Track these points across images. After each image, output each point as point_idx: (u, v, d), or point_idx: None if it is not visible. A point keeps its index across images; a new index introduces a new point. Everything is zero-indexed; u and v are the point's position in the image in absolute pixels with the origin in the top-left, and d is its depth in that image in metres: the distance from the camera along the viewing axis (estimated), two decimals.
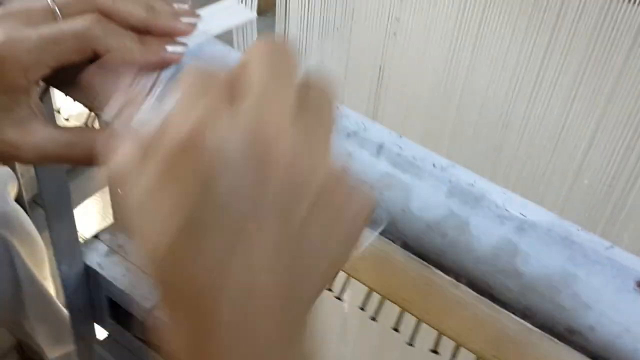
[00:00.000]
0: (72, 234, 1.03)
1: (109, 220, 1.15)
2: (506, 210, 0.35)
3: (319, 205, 0.26)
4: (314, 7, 0.48)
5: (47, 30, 0.38)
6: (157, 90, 0.43)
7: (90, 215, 1.58)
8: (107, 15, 0.40)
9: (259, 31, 0.50)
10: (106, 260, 1.08)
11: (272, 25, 0.60)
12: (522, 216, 0.35)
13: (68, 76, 0.44)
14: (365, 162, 0.38)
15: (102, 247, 1.10)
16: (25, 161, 0.41)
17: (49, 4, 0.39)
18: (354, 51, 0.50)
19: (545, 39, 0.42)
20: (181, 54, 0.41)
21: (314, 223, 0.26)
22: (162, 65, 0.41)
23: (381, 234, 0.37)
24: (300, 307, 0.27)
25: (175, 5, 0.44)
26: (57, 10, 0.39)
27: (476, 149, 0.49)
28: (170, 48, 0.41)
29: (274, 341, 0.25)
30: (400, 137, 0.39)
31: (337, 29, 0.47)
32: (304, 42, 0.49)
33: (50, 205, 0.96)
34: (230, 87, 0.27)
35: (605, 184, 0.47)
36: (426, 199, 0.37)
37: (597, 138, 0.46)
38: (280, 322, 0.26)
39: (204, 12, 0.47)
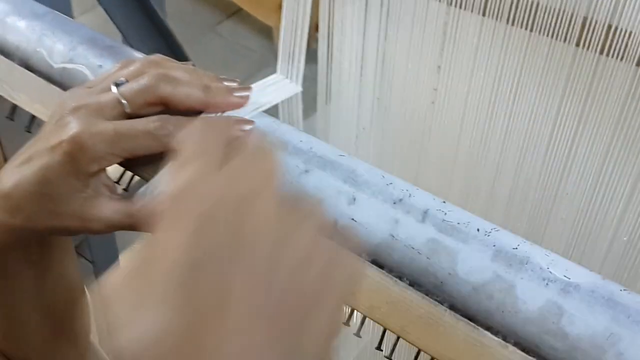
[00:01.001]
0: None
1: None
2: (550, 272, 0.37)
3: (295, 271, 0.29)
4: (356, 78, 0.51)
5: (123, 126, 0.42)
6: None
7: None
8: (168, 100, 0.44)
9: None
10: None
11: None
12: (566, 278, 0.37)
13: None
14: (411, 228, 0.40)
15: None
16: (94, 233, 0.44)
17: (117, 97, 0.43)
18: (393, 119, 0.52)
19: (579, 104, 0.44)
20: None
21: (292, 288, 0.28)
22: None
23: (429, 296, 0.39)
24: None
25: (226, 82, 0.48)
26: (125, 102, 0.43)
27: (512, 211, 0.51)
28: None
29: None
30: (444, 202, 0.41)
31: (378, 99, 0.50)
32: (345, 111, 0.52)
33: (97, 258, 1.00)
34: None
35: None
36: (472, 263, 0.38)
37: (633, 196, 0.47)
38: None
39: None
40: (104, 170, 0.43)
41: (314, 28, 0.58)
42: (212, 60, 2.31)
